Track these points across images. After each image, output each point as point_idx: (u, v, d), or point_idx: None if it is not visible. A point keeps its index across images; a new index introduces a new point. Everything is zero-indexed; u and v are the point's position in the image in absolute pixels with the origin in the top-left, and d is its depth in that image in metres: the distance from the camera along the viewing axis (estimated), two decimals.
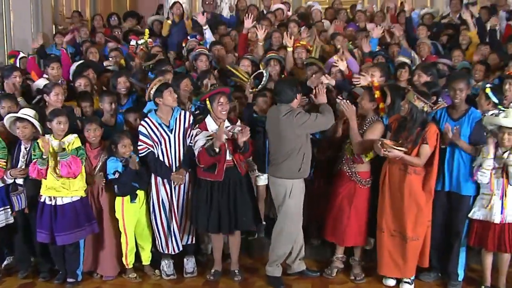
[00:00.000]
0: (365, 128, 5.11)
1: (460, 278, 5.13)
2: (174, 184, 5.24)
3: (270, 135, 5.11)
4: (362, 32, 8.28)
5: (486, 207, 4.80)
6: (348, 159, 5.16)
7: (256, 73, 6.28)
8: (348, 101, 5.11)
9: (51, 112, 5.13)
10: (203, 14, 8.12)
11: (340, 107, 5.16)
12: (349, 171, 5.15)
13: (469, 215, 4.94)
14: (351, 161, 5.14)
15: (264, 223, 5.79)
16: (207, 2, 9.37)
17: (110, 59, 7.37)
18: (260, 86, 6.08)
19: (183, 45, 8.00)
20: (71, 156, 4.90)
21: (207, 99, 5.12)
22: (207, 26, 7.95)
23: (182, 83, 5.68)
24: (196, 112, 5.65)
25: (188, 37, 8.12)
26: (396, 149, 4.72)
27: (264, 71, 6.20)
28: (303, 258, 5.36)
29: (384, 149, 4.72)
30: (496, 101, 5.10)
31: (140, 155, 5.19)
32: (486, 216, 4.81)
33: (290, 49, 6.95)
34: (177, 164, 5.26)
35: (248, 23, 7.66)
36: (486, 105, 5.15)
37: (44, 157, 4.88)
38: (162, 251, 5.39)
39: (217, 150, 4.85)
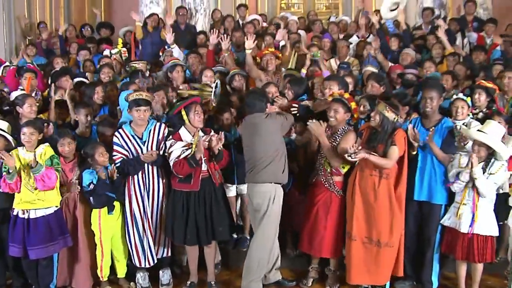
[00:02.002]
0: (338, 139, 5.13)
1: (435, 286, 5.19)
2: (144, 159, 5.12)
3: (250, 143, 5.07)
4: (342, 41, 8.40)
5: (456, 216, 4.86)
6: (326, 172, 5.20)
7: (215, 83, 6.24)
8: (315, 120, 5.14)
9: (22, 124, 5.08)
10: (172, 28, 8.16)
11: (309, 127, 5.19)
12: (326, 182, 5.18)
13: (441, 221, 5.02)
14: (329, 173, 5.18)
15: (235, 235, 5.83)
16: (181, 13, 9.38)
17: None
18: (213, 96, 6.00)
19: (160, 54, 8.00)
20: (45, 167, 4.83)
21: (183, 109, 5.12)
22: (175, 45, 7.97)
23: (156, 95, 5.67)
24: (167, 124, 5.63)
25: (166, 47, 8.12)
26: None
27: (218, 81, 6.14)
28: (279, 268, 5.36)
29: (348, 154, 4.75)
30: (469, 101, 5.27)
31: (116, 165, 5.13)
32: (455, 225, 4.88)
33: (248, 51, 6.89)
34: (150, 176, 5.24)
35: (213, 39, 7.65)
36: (467, 114, 5.25)
37: (10, 171, 4.79)
38: (135, 265, 5.33)
39: (199, 162, 4.94)
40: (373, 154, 4.79)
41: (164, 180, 5.29)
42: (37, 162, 4.82)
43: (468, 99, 5.27)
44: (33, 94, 6.25)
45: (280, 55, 7.25)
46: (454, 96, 5.38)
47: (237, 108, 5.99)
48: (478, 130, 4.76)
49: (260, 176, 4.98)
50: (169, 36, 7.96)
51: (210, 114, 5.93)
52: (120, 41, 8.08)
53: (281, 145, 5.06)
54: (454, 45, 8.16)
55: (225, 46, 7.29)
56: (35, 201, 4.92)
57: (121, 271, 5.44)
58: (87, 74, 7.45)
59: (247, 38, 6.99)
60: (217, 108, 5.97)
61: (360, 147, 4.81)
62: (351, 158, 4.76)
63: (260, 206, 5.00)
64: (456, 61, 7.25)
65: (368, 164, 4.86)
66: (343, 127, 5.19)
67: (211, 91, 5.97)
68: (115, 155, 5.16)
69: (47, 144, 5.04)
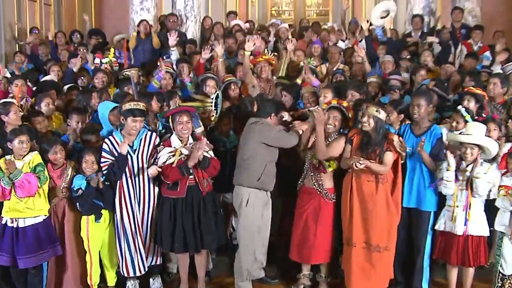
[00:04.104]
0: (328, 141, 5.15)
1: None
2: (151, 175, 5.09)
3: (240, 144, 5.26)
4: (334, 47, 8.43)
5: (451, 219, 4.87)
6: (312, 167, 5.18)
7: (215, 94, 6.20)
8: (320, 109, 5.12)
9: (12, 131, 5.03)
10: (163, 34, 8.15)
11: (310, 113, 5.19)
12: (316, 184, 5.16)
13: (436, 227, 5.02)
14: (316, 170, 5.16)
15: None
16: (171, 20, 9.37)
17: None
18: (213, 108, 5.99)
19: (158, 63, 7.99)
20: (24, 174, 4.79)
21: (171, 117, 5.13)
22: (175, 48, 7.94)
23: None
24: (163, 131, 5.62)
25: (164, 57, 8.10)
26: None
27: (218, 92, 6.14)
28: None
29: (353, 162, 4.76)
30: (470, 119, 5.16)
31: (104, 171, 5.09)
32: (451, 228, 4.88)
33: (247, 53, 6.87)
34: (141, 185, 5.19)
35: (205, 53, 7.61)
36: (462, 126, 5.22)
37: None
38: (123, 274, 5.29)
39: (191, 170, 4.93)
40: (372, 162, 4.82)
41: (155, 189, 5.26)
42: (15, 167, 4.80)
43: (467, 117, 5.18)
44: (24, 100, 6.24)
45: (274, 62, 7.26)
46: (459, 107, 5.36)
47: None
48: (462, 134, 4.85)
49: (237, 178, 5.15)
50: (172, 39, 7.93)
51: (211, 126, 5.94)
52: (111, 50, 8.03)
53: (258, 150, 5.05)
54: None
55: (220, 51, 7.27)
56: (24, 210, 4.89)
57: (111, 280, 5.40)
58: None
59: (248, 40, 7.01)
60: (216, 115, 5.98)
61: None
62: (357, 167, 4.76)
63: (236, 207, 5.16)
64: (450, 69, 7.31)
65: (364, 170, 4.85)
66: (334, 133, 5.21)
67: (212, 103, 5.97)
68: (103, 162, 5.11)
69: (36, 152, 5.01)
